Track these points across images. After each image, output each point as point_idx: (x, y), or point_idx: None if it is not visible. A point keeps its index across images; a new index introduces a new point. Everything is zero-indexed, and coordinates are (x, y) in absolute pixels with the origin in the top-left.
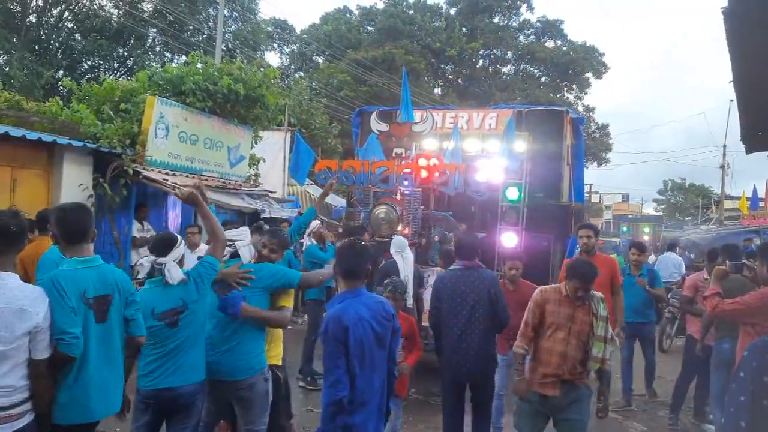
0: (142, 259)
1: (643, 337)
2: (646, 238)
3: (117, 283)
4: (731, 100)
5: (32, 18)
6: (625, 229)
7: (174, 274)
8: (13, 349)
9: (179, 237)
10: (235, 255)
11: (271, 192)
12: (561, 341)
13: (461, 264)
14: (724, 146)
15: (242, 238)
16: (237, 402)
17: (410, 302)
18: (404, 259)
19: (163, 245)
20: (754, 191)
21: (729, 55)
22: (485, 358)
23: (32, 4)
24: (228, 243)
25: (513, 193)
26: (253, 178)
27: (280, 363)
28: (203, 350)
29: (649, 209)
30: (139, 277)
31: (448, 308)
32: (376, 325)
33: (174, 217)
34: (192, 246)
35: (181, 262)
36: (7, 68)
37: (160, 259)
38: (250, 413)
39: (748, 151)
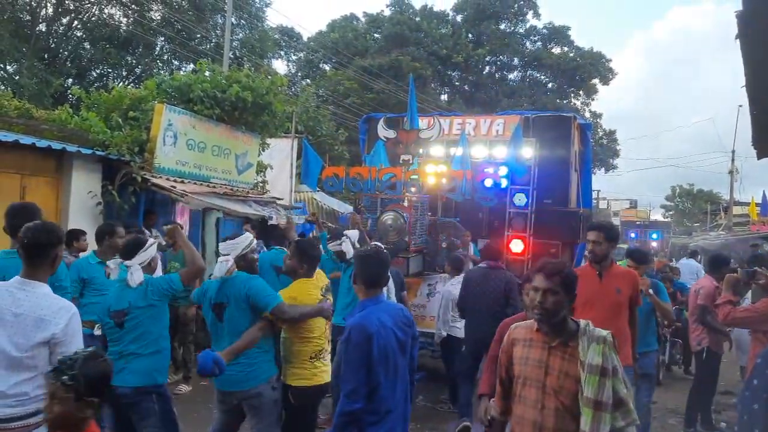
0: (109, 262)
1: (642, 374)
2: (654, 244)
3: None
4: (740, 105)
5: (42, 27)
6: (633, 235)
7: (135, 276)
8: (28, 357)
9: (151, 240)
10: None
11: (279, 199)
12: (532, 405)
13: (486, 264)
14: (733, 151)
15: (228, 252)
16: (248, 411)
17: None
18: None
19: (129, 248)
20: (764, 197)
21: (742, 59)
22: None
23: (42, 14)
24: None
25: (521, 200)
26: (261, 185)
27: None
28: (155, 359)
29: (657, 215)
30: (112, 278)
31: (473, 296)
32: (399, 331)
33: (182, 225)
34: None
35: (151, 265)
36: (17, 77)
37: (126, 262)
38: (260, 422)
39: (760, 156)
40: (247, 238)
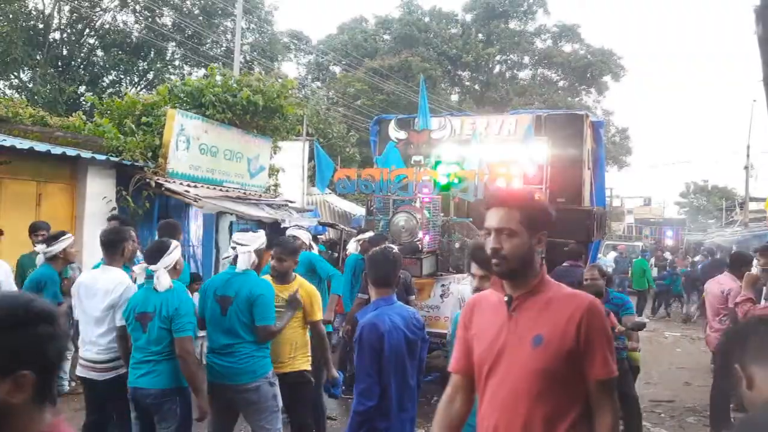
0: (135, 267)
1: None
2: (669, 242)
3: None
4: (754, 100)
5: (55, 35)
6: (647, 232)
7: (162, 280)
8: (103, 317)
9: (174, 242)
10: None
11: (291, 202)
12: None
13: (569, 263)
14: (748, 147)
15: (248, 243)
16: (245, 407)
17: None
18: None
19: (154, 253)
20: None
21: (760, 55)
22: None
23: (55, 22)
24: (232, 245)
25: None
26: (273, 188)
27: (309, 368)
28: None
29: (672, 212)
30: (137, 284)
31: None
32: (409, 333)
33: (196, 228)
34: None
35: (176, 269)
36: (31, 84)
37: (151, 267)
38: (260, 418)
39: None
40: (263, 236)
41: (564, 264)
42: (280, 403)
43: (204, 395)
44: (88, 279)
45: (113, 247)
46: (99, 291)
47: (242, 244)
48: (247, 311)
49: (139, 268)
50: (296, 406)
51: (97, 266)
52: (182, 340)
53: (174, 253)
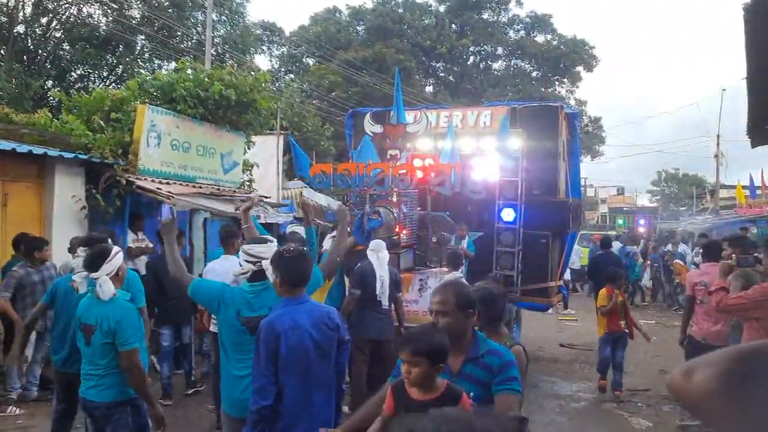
0: (75, 276)
1: None
2: (641, 230)
3: None
4: (724, 89)
5: (20, 28)
6: (620, 221)
7: (105, 289)
8: None
9: (115, 248)
10: (259, 274)
11: (266, 197)
12: None
13: (603, 251)
14: (718, 136)
15: (269, 256)
16: None
17: (386, 303)
18: (379, 259)
19: (93, 260)
20: (751, 180)
21: (745, 51)
22: None
23: (20, 15)
24: (253, 260)
25: (509, 192)
26: (247, 183)
27: None
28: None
29: (644, 201)
30: (80, 292)
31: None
32: (316, 333)
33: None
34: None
35: (119, 275)
36: None
37: (93, 275)
38: None
39: (754, 144)
40: (274, 242)
41: (598, 252)
42: None
43: (156, 404)
44: (216, 265)
45: (228, 241)
46: (228, 274)
47: (263, 257)
48: None
49: (79, 277)
50: None
51: (217, 256)
52: (128, 353)
53: (116, 259)
